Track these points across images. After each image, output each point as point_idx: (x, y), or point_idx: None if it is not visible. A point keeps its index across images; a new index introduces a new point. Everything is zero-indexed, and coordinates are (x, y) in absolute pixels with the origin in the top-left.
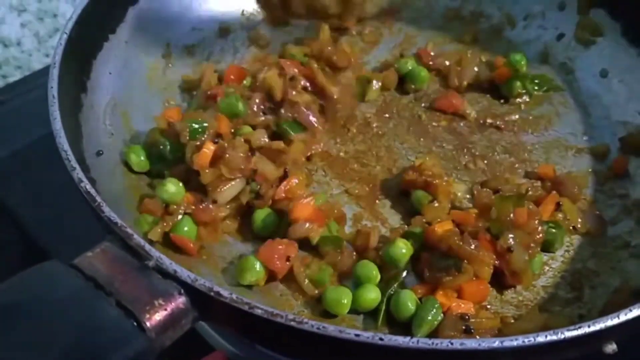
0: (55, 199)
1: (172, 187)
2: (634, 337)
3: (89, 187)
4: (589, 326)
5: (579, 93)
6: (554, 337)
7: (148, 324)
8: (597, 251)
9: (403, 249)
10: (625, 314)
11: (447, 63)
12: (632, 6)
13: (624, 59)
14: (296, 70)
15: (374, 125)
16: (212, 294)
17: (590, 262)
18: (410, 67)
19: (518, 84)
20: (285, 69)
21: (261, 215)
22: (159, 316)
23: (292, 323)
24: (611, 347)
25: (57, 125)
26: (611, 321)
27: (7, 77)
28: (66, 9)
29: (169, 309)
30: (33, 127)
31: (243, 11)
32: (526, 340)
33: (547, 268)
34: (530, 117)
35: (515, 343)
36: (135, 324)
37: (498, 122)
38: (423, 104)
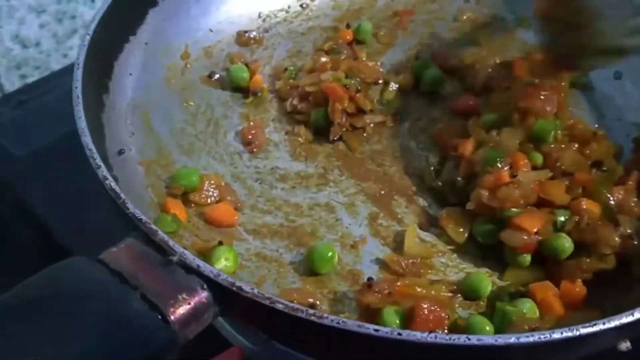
0: (75, 198)
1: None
2: None
3: (113, 184)
4: (604, 323)
5: (593, 95)
6: (570, 334)
7: (172, 317)
8: None
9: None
10: None
11: (462, 64)
12: None
13: (638, 62)
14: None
15: (390, 125)
16: (234, 288)
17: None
18: (425, 69)
19: None
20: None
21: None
22: (182, 310)
23: (313, 318)
24: (625, 345)
25: (82, 124)
26: (626, 319)
27: (26, 77)
28: (84, 11)
29: (192, 303)
30: (52, 127)
31: (260, 13)
32: (542, 336)
33: None
34: None
35: (531, 339)
36: (160, 317)
37: None
38: (438, 105)
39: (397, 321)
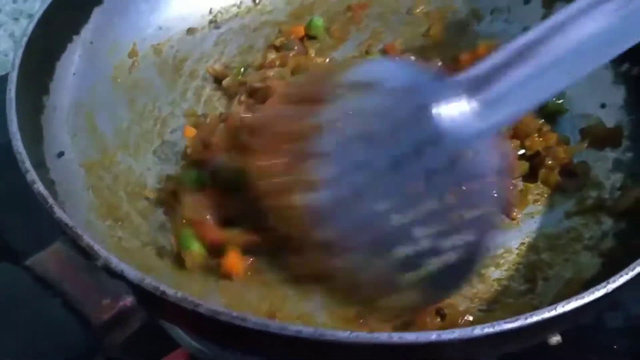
0: (26, 199)
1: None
2: (577, 328)
3: (41, 188)
4: (525, 318)
5: None
6: (491, 330)
7: (96, 323)
8: (553, 243)
9: None
10: (563, 306)
11: (413, 58)
12: None
13: None
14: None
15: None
16: (158, 293)
17: (545, 254)
18: None
19: None
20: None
21: None
22: (106, 315)
23: (236, 321)
24: (555, 339)
25: (14, 127)
26: (548, 313)
27: None
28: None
29: (116, 308)
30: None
31: (211, 9)
32: (464, 333)
33: (502, 261)
34: None
35: (452, 336)
36: (82, 323)
37: None
38: None
39: None
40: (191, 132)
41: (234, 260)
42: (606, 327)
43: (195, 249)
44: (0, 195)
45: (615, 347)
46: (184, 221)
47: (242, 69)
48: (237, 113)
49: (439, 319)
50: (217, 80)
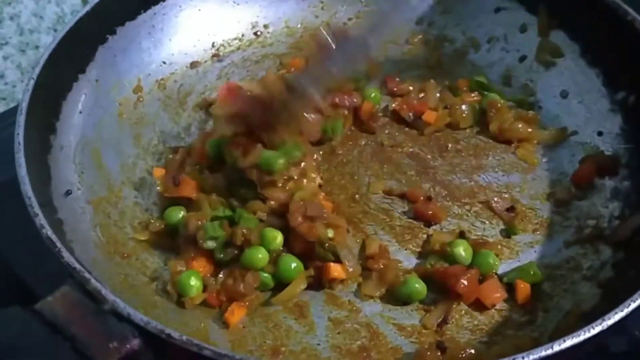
0: (37, 234)
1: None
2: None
3: (50, 233)
4: (522, 357)
5: (540, 114)
6: None
7: None
8: (552, 273)
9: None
10: (560, 345)
11: (411, 89)
12: (590, 28)
13: (583, 80)
14: None
15: (339, 152)
16: (163, 336)
17: (545, 284)
18: (372, 95)
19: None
20: None
21: None
22: (112, 359)
23: None
24: None
25: (22, 172)
26: (545, 352)
27: None
28: (47, 41)
29: (123, 352)
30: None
31: (213, 43)
32: None
33: None
34: (491, 140)
35: None
36: None
37: (459, 146)
38: (387, 131)
39: None
40: (159, 172)
41: (236, 312)
42: (610, 351)
43: (194, 294)
44: (9, 232)
45: None
46: (179, 268)
47: None
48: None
49: (439, 353)
50: None
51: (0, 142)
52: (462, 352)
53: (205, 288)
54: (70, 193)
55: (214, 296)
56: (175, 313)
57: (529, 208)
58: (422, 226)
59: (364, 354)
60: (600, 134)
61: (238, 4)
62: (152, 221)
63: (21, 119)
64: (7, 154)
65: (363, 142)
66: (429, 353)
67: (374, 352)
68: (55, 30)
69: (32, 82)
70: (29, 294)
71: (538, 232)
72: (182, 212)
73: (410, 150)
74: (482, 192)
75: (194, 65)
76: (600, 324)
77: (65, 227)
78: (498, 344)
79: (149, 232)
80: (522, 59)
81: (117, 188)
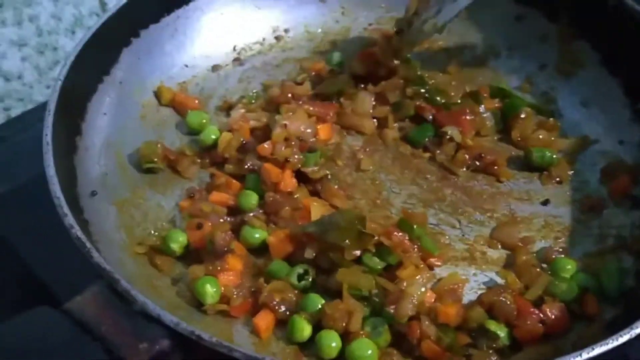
0: (57, 235)
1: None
2: None
3: (79, 233)
4: None
5: (561, 123)
6: None
7: None
8: None
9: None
10: (588, 353)
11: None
12: (612, 37)
13: (604, 89)
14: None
15: (360, 157)
16: (193, 337)
17: None
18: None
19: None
20: None
21: None
22: (143, 359)
23: None
24: None
25: (51, 171)
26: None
27: (9, 109)
28: (65, 42)
29: (153, 352)
30: (35, 162)
31: (235, 47)
32: None
33: None
34: (513, 147)
35: None
36: None
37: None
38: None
39: None
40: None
41: (266, 319)
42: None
43: (209, 301)
44: (31, 233)
45: None
46: (198, 274)
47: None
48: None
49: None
50: None
51: (19, 143)
52: (487, 359)
53: (228, 300)
54: (96, 194)
55: (236, 308)
56: (199, 315)
57: (551, 215)
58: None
59: (387, 358)
60: (621, 142)
61: (260, 8)
62: (177, 224)
63: (49, 120)
64: (27, 156)
65: (384, 147)
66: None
67: (397, 357)
68: (73, 33)
69: (59, 83)
70: (52, 296)
71: (560, 240)
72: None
73: (431, 156)
74: (503, 199)
75: (215, 68)
76: (629, 332)
77: (91, 227)
78: (522, 352)
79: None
80: (543, 67)
81: (140, 190)
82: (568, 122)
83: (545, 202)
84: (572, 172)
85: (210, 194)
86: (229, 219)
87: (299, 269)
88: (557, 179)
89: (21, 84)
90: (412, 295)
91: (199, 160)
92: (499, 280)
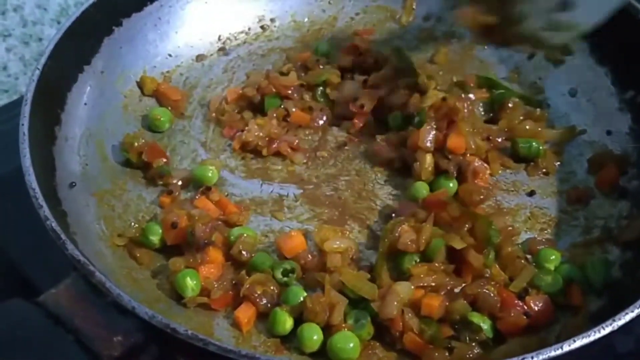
0: (40, 226)
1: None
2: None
3: (54, 224)
4: (532, 357)
5: (548, 113)
6: None
7: None
8: None
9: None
10: (570, 345)
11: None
12: (600, 26)
13: (592, 78)
14: None
15: (346, 148)
16: (168, 330)
17: None
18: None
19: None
20: None
21: None
22: (117, 352)
23: (244, 359)
24: None
25: (27, 162)
26: (554, 352)
27: None
28: (51, 33)
29: (127, 346)
30: (17, 153)
31: (219, 36)
32: None
33: None
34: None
35: None
36: None
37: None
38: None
39: None
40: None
41: (247, 312)
42: (616, 352)
43: (189, 294)
44: (12, 224)
45: None
46: (179, 267)
47: None
48: None
49: (447, 353)
50: None
51: (3, 134)
52: (469, 351)
53: (208, 292)
54: (75, 185)
55: (217, 300)
56: (179, 308)
57: (536, 207)
58: None
59: (369, 351)
60: (609, 133)
61: None
62: (158, 215)
63: (26, 110)
64: (10, 146)
65: (370, 138)
66: (436, 353)
67: (379, 350)
68: (58, 23)
69: (37, 72)
70: (31, 287)
71: (546, 232)
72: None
73: None
74: (489, 190)
75: (199, 58)
76: (611, 324)
77: (69, 219)
78: (506, 344)
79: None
80: (531, 56)
81: (121, 181)
82: (556, 112)
83: (531, 193)
84: (559, 163)
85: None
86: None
87: (286, 265)
88: (544, 170)
89: (6, 75)
90: (398, 295)
91: None
92: None
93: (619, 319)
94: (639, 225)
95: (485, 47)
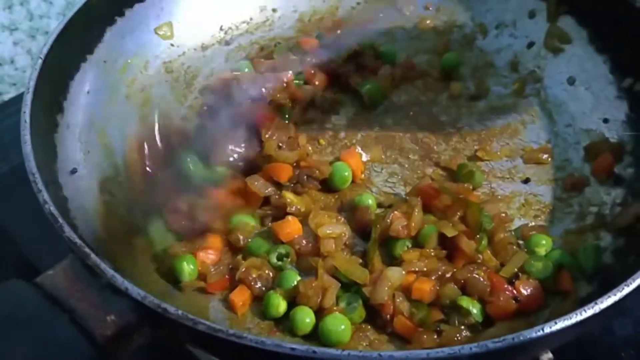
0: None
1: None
2: (568, 346)
3: (52, 208)
4: (513, 339)
5: (547, 101)
6: (478, 350)
7: (100, 339)
8: None
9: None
10: (551, 327)
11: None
12: (599, 14)
13: (591, 67)
14: None
15: (341, 136)
16: (159, 310)
17: None
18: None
19: None
20: None
21: None
22: (110, 332)
23: (232, 338)
24: (547, 356)
25: (27, 149)
26: (536, 334)
27: (2, 94)
28: None
29: (120, 325)
30: None
31: (221, 26)
32: (452, 352)
33: None
34: (497, 127)
35: (441, 355)
36: (88, 339)
37: (463, 132)
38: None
39: None
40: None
41: (242, 296)
42: (616, 335)
43: (186, 279)
44: (18, 209)
45: (623, 354)
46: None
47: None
48: None
49: (435, 336)
50: None
51: (11, 126)
52: (458, 334)
53: (205, 277)
54: (76, 171)
55: (213, 284)
56: (176, 292)
57: (531, 194)
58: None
59: (360, 334)
60: (606, 121)
61: None
62: None
63: (28, 97)
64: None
65: (366, 127)
66: (424, 336)
67: (370, 332)
68: (64, 16)
69: (39, 61)
70: (34, 269)
71: (539, 218)
72: None
73: (414, 134)
74: (485, 181)
75: (201, 48)
76: (592, 307)
77: (70, 204)
78: (494, 327)
79: None
80: (530, 45)
81: (123, 168)
82: (554, 100)
83: (527, 181)
84: (556, 149)
85: None
86: None
87: (281, 249)
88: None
89: (13, 69)
90: (389, 280)
91: None
92: None
93: (601, 302)
94: (632, 212)
95: (484, 37)
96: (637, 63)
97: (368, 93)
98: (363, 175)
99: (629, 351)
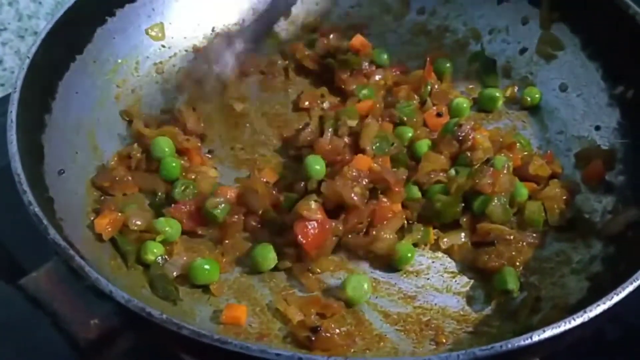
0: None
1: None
2: (555, 354)
3: (37, 210)
4: (500, 347)
5: (538, 107)
6: (465, 358)
7: (82, 343)
8: (541, 266)
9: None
10: (539, 335)
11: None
12: (592, 21)
13: (583, 74)
14: None
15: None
16: (144, 314)
17: (533, 277)
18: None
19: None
20: None
21: None
22: (93, 335)
23: (217, 343)
24: None
25: (13, 149)
26: (524, 342)
27: None
28: None
29: (103, 329)
30: None
31: (213, 28)
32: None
33: None
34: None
35: None
36: (70, 343)
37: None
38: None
39: None
40: None
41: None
42: (606, 339)
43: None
44: (5, 209)
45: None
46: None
47: None
48: None
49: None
50: None
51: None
52: (445, 339)
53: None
54: (63, 172)
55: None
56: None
57: None
58: None
59: (349, 340)
60: (597, 128)
61: None
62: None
63: (15, 97)
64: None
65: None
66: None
67: (359, 338)
68: (53, 16)
69: (27, 61)
70: (20, 270)
71: None
72: None
73: None
74: None
75: (193, 49)
76: (582, 315)
77: (56, 205)
78: (483, 335)
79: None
80: (523, 51)
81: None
82: (545, 107)
83: None
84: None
85: None
86: None
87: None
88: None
89: (2, 69)
90: None
91: None
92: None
93: (590, 310)
94: (622, 220)
95: (478, 41)
96: (629, 70)
97: (364, 99)
98: None
99: (621, 354)
